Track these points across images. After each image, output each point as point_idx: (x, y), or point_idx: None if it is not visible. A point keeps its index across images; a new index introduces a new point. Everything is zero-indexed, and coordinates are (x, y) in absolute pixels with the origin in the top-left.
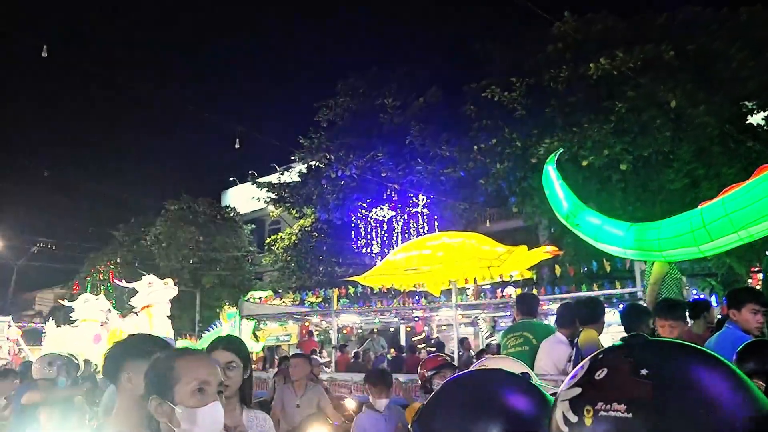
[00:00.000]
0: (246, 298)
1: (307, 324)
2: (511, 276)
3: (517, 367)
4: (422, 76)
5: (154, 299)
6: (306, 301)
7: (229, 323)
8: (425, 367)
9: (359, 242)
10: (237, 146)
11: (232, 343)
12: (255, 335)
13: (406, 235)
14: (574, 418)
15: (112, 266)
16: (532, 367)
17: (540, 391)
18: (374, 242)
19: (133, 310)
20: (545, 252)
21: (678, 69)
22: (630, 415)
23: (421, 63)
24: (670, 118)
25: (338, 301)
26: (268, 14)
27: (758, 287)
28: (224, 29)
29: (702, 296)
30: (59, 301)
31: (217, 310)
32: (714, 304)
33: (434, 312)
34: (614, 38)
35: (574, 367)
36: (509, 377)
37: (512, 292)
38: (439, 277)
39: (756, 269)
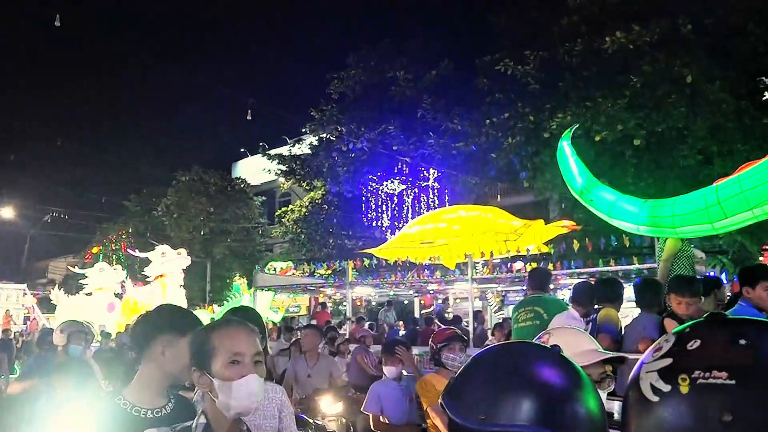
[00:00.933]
0: (267, 269)
1: (318, 296)
2: (528, 250)
3: (581, 341)
4: (435, 48)
5: (168, 269)
6: (316, 273)
7: (249, 293)
8: (435, 340)
9: (369, 215)
10: (249, 118)
11: (246, 313)
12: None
13: (417, 209)
14: (666, 387)
15: (123, 236)
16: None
17: (572, 364)
18: (384, 215)
19: (147, 279)
20: (562, 226)
21: (695, 44)
22: (733, 382)
23: (434, 35)
24: (685, 94)
25: (351, 273)
26: None
27: None
28: (236, 1)
29: (713, 273)
30: (70, 267)
31: (228, 281)
32: (724, 281)
33: (449, 285)
34: (631, 12)
35: None
36: (540, 350)
37: (521, 266)
38: (455, 251)
39: (767, 247)
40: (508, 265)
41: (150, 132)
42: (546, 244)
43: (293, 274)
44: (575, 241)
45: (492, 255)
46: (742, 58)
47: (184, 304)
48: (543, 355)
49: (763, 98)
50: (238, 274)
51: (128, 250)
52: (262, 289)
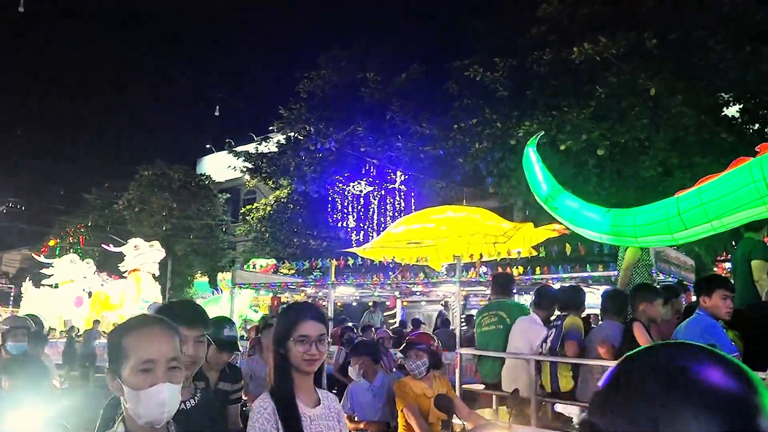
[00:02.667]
0: (246, 266)
1: (280, 297)
2: (518, 253)
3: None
4: (405, 52)
5: (141, 262)
6: (283, 271)
7: (228, 291)
8: (403, 347)
9: (335, 216)
10: (216, 114)
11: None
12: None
13: (383, 211)
14: None
15: (82, 230)
16: (505, 345)
17: (747, 370)
18: (350, 216)
19: (123, 274)
20: (552, 230)
21: (659, 57)
22: None
23: (405, 39)
24: (649, 106)
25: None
26: None
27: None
28: None
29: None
30: (35, 254)
31: (189, 278)
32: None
33: (435, 287)
34: (599, 23)
35: (550, 347)
36: (706, 353)
37: (484, 270)
38: (443, 252)
39: (721, 258)
40: (479, 270)
41: (114, 125)
42: (535, 247)
43: (279, 272)
44: (567, 246)
45: (481, 257)
46: (704, 73)
47: (159, 298)
48: (713, 360)
49: (723, 113)
50: (199, 272)
51: (102, 244)
52: (241, 287)
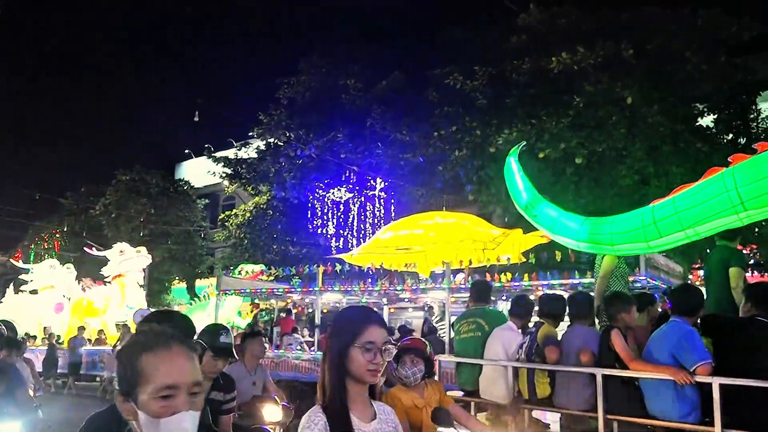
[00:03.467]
0: (232, 273)
1: (260, 304)
2: (507, 259)
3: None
4: (386, 59)
5: (127, 268)
6: (267, 277)
7: (215, 297)
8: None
9: (315, 222)
10: (196, 119)
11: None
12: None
13: (362, 218)
14: None
15: (57, 235)
16: (483, 352)
17: None
18: (330, 223)
19: (105, 279)
20: (542, 236)
21: (636, 67)
22: None
23: (386, 46)
24: (625, 116)
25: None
26: None
27: (698, 283)
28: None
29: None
30: (12, 260)
31: (166, 284)
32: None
33: (423, 293)
34: (577, 33)
35: (526, 354)
36: None
37: (461, 278)
38: (432, 258)
39: (696, 266)
40: (468, 276)
41: (92, 129)
42: (525, 254)
43: (265, 278)
44: (558, 252)
45: (471, 263)
46: (679, 83)
47: (143, 305)
48: None
49: (697, 123)
50: (177, 278)
51: (85, 248)
52: (226, 294)
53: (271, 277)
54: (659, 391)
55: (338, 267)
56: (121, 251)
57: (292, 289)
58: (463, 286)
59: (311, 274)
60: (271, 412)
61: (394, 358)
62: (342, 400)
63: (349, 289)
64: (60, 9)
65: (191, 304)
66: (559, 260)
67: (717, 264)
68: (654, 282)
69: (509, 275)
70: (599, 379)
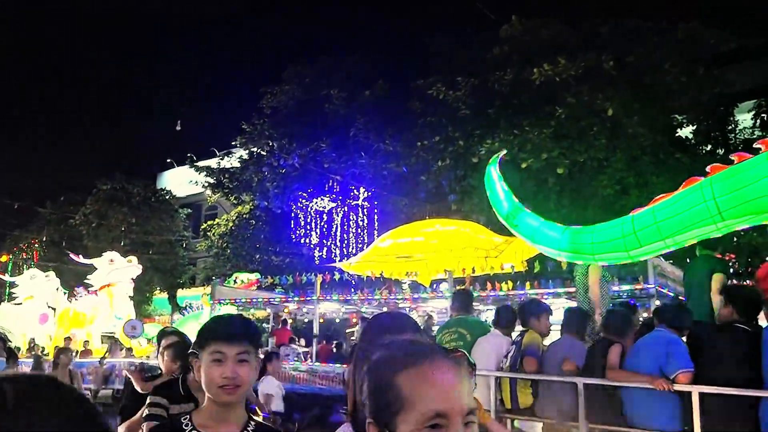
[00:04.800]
0: (227, 282)
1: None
2: (512, 268)
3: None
4: (370, 68)
5: (116, 278)
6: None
7: (209, 306)
8: None
9: (298, 232)
10: (178, 128)
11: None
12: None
13: (346, 227)
14: None
15: (36, 245)
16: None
17: None
18: (313, 233)
19: (90, 288)
20: None
21: (616, 79)
22: None
23: (370, 56)
24: (606, 126)
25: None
26: None
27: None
28: (169, 7)
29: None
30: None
31: (147, 295)
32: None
33: (423, 302)
34: (559, 45)
35: (510, 364)
36: None
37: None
38: (434, 266)
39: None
40: (469, 285)
41: (71, 136)
42: (529, 261)
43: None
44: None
45: (474, 271)
46: (659, 95)
47: (132, 315)
48: None
49: (677, 134)
50: (158, 288)
51: (71, 255)
52: (221, 303)
53: (253, 286)
54: (640, 400)
55: (336, 276)
56: (111, 260)
57: (289, 299)
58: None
59: (309, 282)
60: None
61: None
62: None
63: (347, 298)
64: (39, 14)
65: (182, 314)
66: (564, 268)
67: (701, 273)
68: (662, 290)
69: (510, 284)
70: (580, 387)
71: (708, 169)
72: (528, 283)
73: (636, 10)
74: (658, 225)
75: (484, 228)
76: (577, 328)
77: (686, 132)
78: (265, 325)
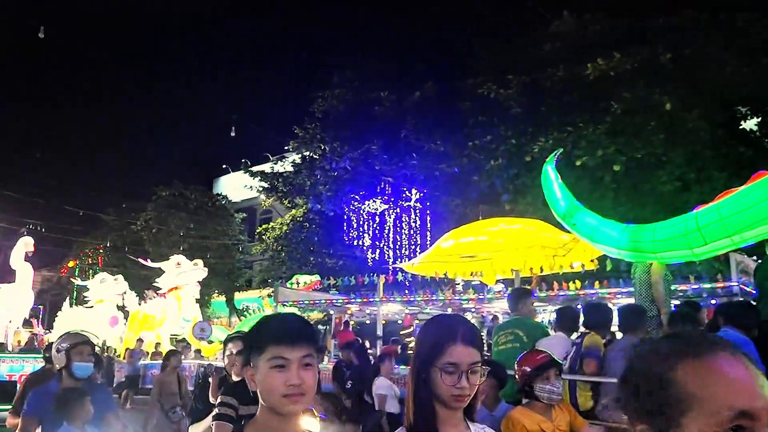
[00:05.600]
0: (289, 283)
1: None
2: (582, 266)
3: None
4: (419, 70)
5: (183, 281)
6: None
7: (271, 309)
8: (524, 366)
9: (351, 234)
10: (232, 134)
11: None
12: None
13: (398, 229)
14: None
15: (100, 251)
16: None
17: None
18: (366, 235)
19: (158, 291)
20: None
21: (673, 72)
22: None
23: (419, 57)
24: (664, 121)
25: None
26: (266, 0)
27: None
28: (222, 15)
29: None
30: (72, 278)
31: (206, 298)
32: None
33: (488, 303)
34: (611, 40)
35: (570, 366)
36: None
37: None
38: (498, 265)
39: None
40: (536, 286)
41: (131, 146)
42: (597, 259)
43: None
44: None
45: (542, 270)
46: (719, 87)
47: (199, 317)
48: None
49: (739, 127)
50: (216, 292)
51: (139, 259)
52: (284, 305)
53: (332, 289)
54: None
55: (399, 276)
56: (178, 263)
57: (351, 300)
58: (535, 296)
59: (372, 284)
60: (308, 424)
61: (532, 373)
62: (429, 425)
63: (410, 299)
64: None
65: (240, 317)
66: None
67: (762, 275)
68: (746, 288)
69: (578, 283)
70: None
71: None
72: (597, 282)
73: (688, 3)
74: (724, 221)
75: (550, 226)
76: (636, 326)
77: (750, 124)
78: (320, 327)
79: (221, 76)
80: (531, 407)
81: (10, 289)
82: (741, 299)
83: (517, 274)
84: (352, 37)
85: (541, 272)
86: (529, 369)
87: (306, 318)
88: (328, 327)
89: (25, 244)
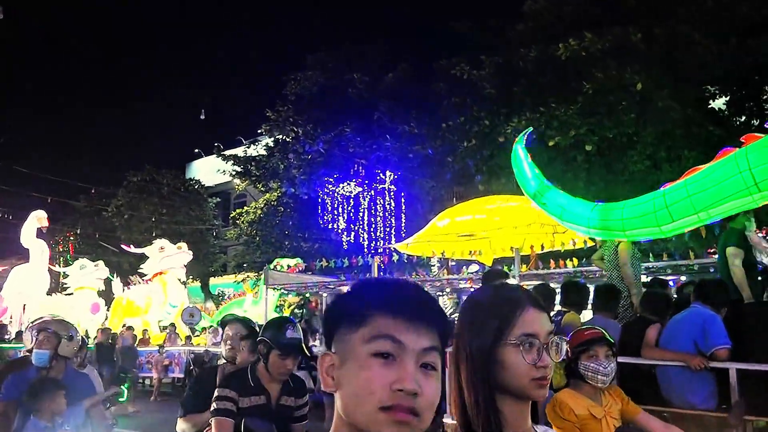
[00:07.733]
0: (272, 266)
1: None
2: (585, 243)
3: None
4: (392, 52)
5: (167, 265)
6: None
7: (252, 293)
8: (571, 344)
9: (325, 217)
10: (202, 117)
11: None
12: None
13: (373, 211)
14: None
15: (71, 238)
16: None
17: None
18: (340, 218)
19: (145, 277)
20: None
21: (645, 52)
22: None
23: (392, 39)
24: (635, 101)
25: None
26: None
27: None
28: None
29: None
30: (50, 266)
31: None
32: (671, 284)
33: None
34: (584, 19)
35: None
36: None
37: (476, 268)
38: (497, 244)
39: (712, 250)
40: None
41: (100, 130)
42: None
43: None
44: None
45: (543, 248)
46: (689, 67)
47: (186, 302)
48: None
49: (709, 106)
50: (191, 277)
51: (122, 245)
52: (275, 288)
53: (292, 269)
54: (675, 378)
55: (395, 257)
56: (161, 248)
57: (343, 283)
58: (531, 272)
59: (366, 265)
60: None
61: (577, 349)
62: (494, 426)
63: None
64: (64, 11)
65: (215, 302)
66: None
67: (721, 248)
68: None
69: (576, 261)
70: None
71: (743, 139)
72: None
73: None
74: (691, 198)
75: None
76: (609, 307)
77: (719, 104)
78: (296, 310)
79: (193, 59)
80: (579, 389)
81: (24, 269)
82: (712, 278)
83: (517, 252)
84: (326, 19)
85: (542, 250)
86: (574, 346)
87: (283, 304)
88: (305, 310)
89: (38, 219)
